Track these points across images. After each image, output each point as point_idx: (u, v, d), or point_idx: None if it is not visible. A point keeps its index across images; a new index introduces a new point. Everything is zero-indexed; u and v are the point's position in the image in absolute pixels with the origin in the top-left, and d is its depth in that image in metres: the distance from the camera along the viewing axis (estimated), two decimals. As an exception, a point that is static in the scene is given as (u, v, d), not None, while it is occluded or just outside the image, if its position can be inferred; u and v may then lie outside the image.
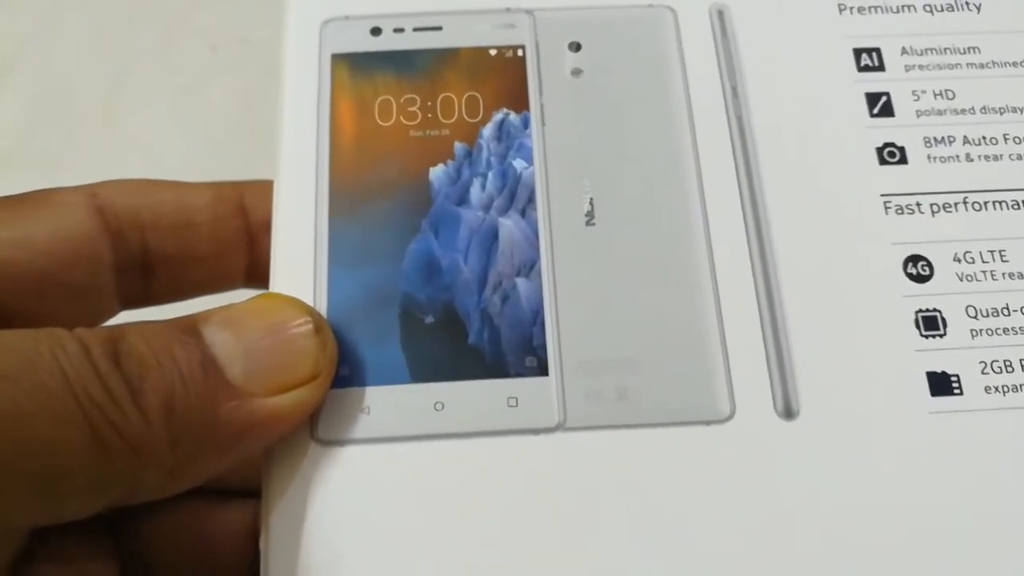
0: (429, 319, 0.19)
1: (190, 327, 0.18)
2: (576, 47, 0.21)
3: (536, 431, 0.18)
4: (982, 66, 0.22)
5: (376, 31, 0.21)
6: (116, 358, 0.17)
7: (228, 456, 0.18)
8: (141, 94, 0.42)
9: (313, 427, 0.18)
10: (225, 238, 0.23)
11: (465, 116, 0.21)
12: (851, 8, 0.22)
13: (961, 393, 0.19)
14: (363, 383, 0.19)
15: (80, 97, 0.42)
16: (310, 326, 0.18)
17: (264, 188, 0.21)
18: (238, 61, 0.42)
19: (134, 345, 0.17)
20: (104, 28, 0.43)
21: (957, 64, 0.22)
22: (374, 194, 0.20)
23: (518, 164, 0.20)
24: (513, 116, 0.21)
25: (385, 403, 0.19)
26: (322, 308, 0.19)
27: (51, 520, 0.17)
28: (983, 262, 0.20)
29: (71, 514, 0.17)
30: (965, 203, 0.20)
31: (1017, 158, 0.21)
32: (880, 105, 0.21)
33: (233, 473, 0.19)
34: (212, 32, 0.43)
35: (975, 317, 0.19)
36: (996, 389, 0.19)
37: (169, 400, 0.17)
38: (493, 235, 0.20)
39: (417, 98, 0.21)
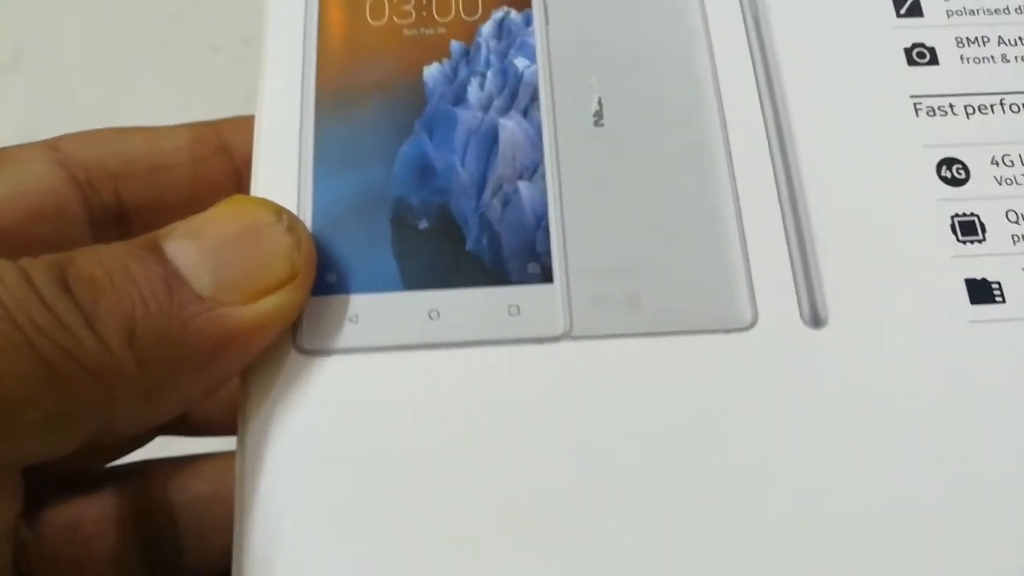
0: (423, 224, 0.18)
1: (149, 243, 0.16)
2: (581, -56, 0.20)
3: (540, 340, 0.17)
4: (1016, -35, 0.20)
5: (367, -72, 0.20)
6: (64, 283, 0.15)
7: (209, 374, 0.16)
8: (141, 94, 0.41)
9: (296, 336, 0.17)
10: (207, 179, 0.22)
11: (463, 14, 0.19)
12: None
13: (1003, 301, 0.17)
14: (351, 290, 0.17)
15: (80, 97, 0.41)
16: (282, 224, 0.17)
17: (246, 124, 0.20)
18: (238, 61, 0.42)
19: (83, 268, 0.16)
20: (104, 28, 0.43)
21: (989, -38, 0.20)
22: (364, 95, 0.19)
23: (520, 63, 0.19)
24: (515, 14, 0.19)
25: (375, 311, 0.17)
26: (307, 213, 0.18)
27: (15, 460, 0.16)
28: (1023, 165, 0.18)
29: (38, 453, 0.16)
30: (1002, 105, 0.19)
31: (1056, 59, 0.19)
32: (907, 5, 0.20)
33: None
34: (212, 32, 0.43)
35: (1016, 222, 0.18)
36: (1041, 297, 0.17)
37: (129, 321, 0.15)
38: (493, 136, 0.18)
39: (411, -4, 0.19)
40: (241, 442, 0.16)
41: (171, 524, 0.22)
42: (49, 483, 0.21)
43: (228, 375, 0.17)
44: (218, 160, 0.22)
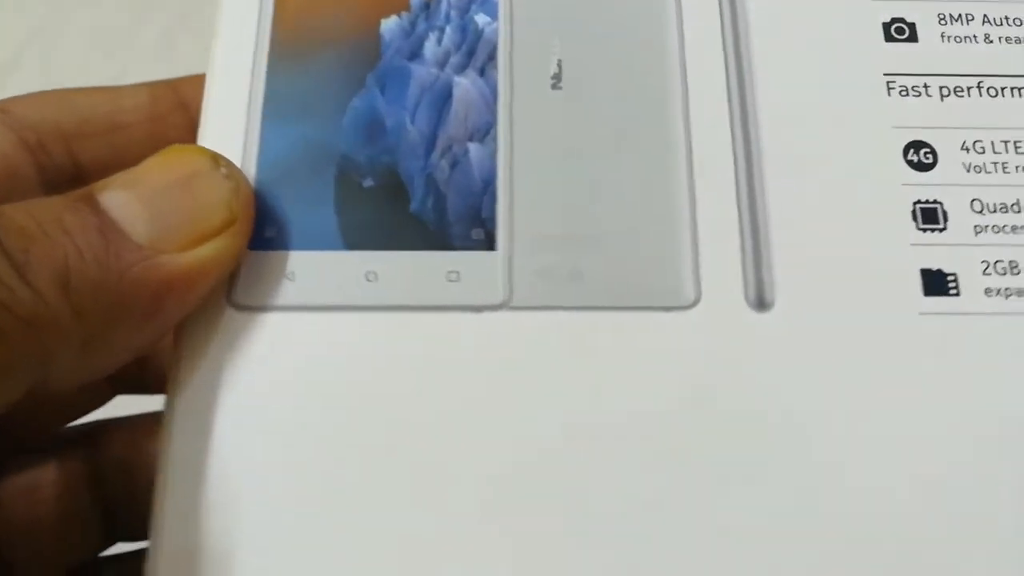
0: (368, 182, 0.17)
1: (84, 195, 0.16)
2: None
3: (478, 308, 0.16)
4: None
5: None
6: None
7: (149, 323, 0.16)
8: (141, 94, 0.41)
9: (231, 291, 0.17)
10: (166, 137, 0.22)
11: (425, -35, 0.19)
12: None
13: (958, 294, 0.17)
14: (289, 247, 0.17)
15: (80, 97, 0.41)
16: (219, 172, 0.16)
17: (203, 80, 0.20)
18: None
19: (12, 219, 0.15)
20: (104, 28, 0.42)
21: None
22: (319, 46, 0.18)
23: (480, 19, 0.18)
24: (478, -33, 0.19)
25: (311, 269, 0.17)
26: (251, 164, 0.17)
27: None
28: (994, 152, 0.18)
29: None
30: (979, 88, 0.18)
31: (1042, 42, 0.19)
32: (892, -23, 0.19)
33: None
34: (212, 32, 0.42)
35: (980, 212, 0.17)
36: (997, 292, 0.17)
37: (63, 271, 0.15)
38: (446, 94, 0.18)
39: (373, -56, 0.19)
40: (170, 395, 0.16)
41: (128, 484, 0.22)
42: (6, 447, 0.21)
43: (168, 324, 0.17)
44: (176, 117, 0.22)
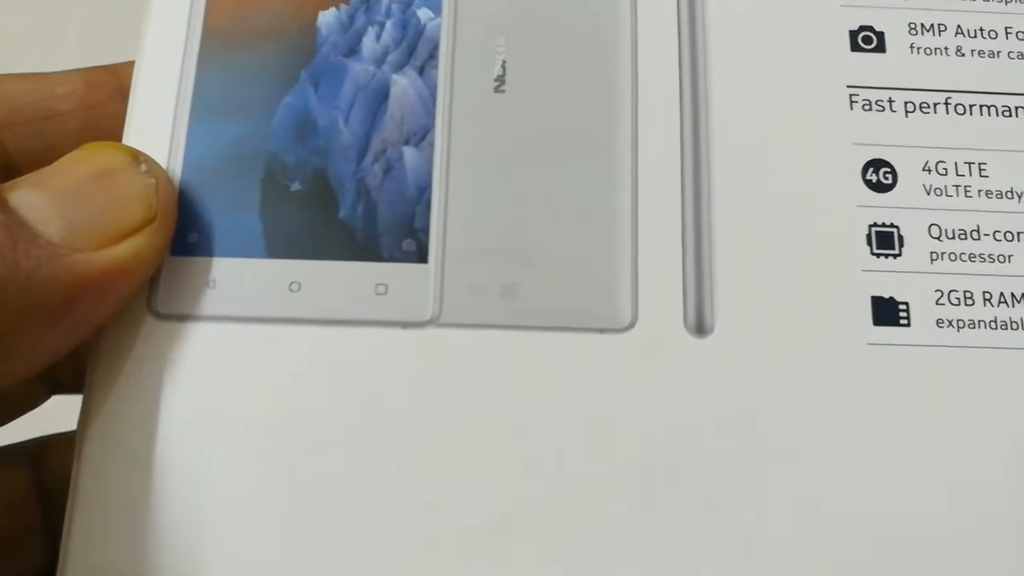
0: (296, 186, 0.16)
1: None
2: None
3: (405, 324, 0.16)
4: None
5: None
6: None
7: (63, 324, 0.16)
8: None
9: (151, 298, 0.16)
10: (102, 127, 0.20)
11: (368, -46, 0.18)
12: None
13: (908, 324, 0.16)
14: (212, 253, 0.16)
15: (80, 96, 0.40)
16: (138, 167, 0.16)
17: None
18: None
19: None
20: (104, 28, 0.41)
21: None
22: (252, 38, 0.17)
23: (423, 14, 0.17)
24: (424, -42, 0.18)
25: (233, 277, 0.16)
26: (177, 164, 0.16)
27: None
28: (957, 175, 0.17)
29: None
30: (947, 104, 0.17)
31: (1018, 56, 0.17)
32: (862, -19, 0.18)
33: None
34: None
35: (938, 238, 0.16)
36: (950, 323, 0.16)
37: None
38: (383, 94, 0.17)
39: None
40: (86, 403, 0.16)
41: None
42: None
43: (85, 326, 0.16)
44: (114, 106, 0.20)
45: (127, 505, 0.15)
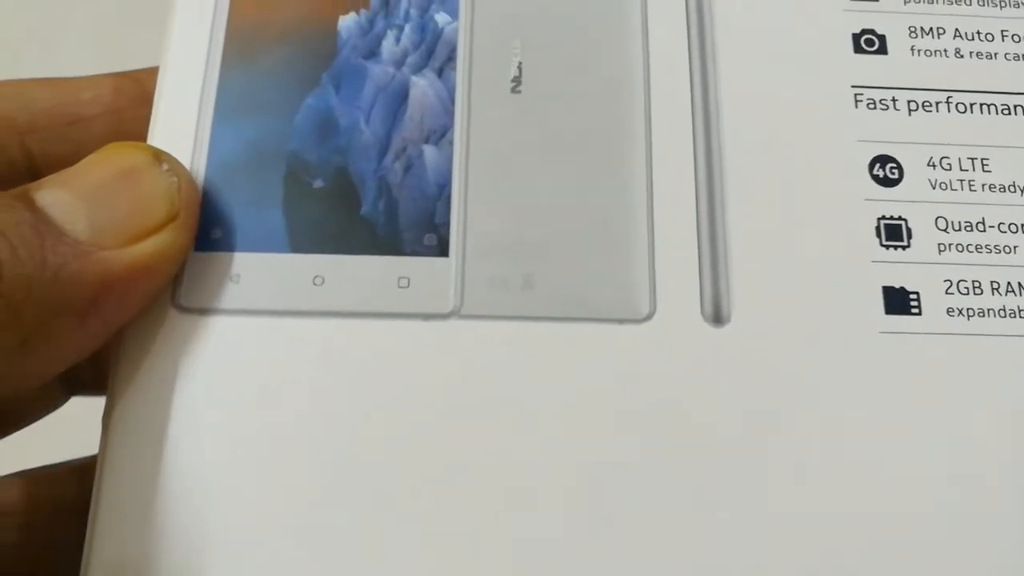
0: (318, 183, 0.17)
1: (19, 193, 0.16)
2: None
3: (427, 316, 0.16)
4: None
5: None
6: None
7: (90, 322, 0.16)
8: (141, 94, 0.41)
9: (175, 293, 0.16)
10: (128, 132, 0.21)
11: (386, -39, 0.18)
12: None
13: (920, 313, 0.16)
14: (235, 248, 0.16)
15: (80, 97, 0.41)
16: (160, 166, 0.16)
17: None
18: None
19: None
20: (104, 28, 0.42)
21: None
22: (275, 42, 0.18)
23: (440, 18, 0.18)
24: (440, -35, 0.18)
25: (257, 272, 0.16)
26: (201, 163, 0.17)
27: None
28: (961, 170, 0.17)
29: None
30: (948, 103, 0.18)
31: (1014, 58, 0.18)
32: (863, -13, 0.18)
33: None
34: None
35: (945, 230, 0.17)
36: (960, 312, 0.16)
37: None
38: (403, 95, 0.17)
39: (334, -61, 0.18)
40: (110, 398, 0.16)
41: None
42: None
43: (111, 324, 0.16)
44: (140, 111, 0.21)
45: (151, 499, 0.15)
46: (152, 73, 0.21)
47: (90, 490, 0.21)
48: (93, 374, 0.22)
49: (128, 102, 0.21)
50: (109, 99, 0.21)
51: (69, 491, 0.21)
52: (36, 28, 0.42)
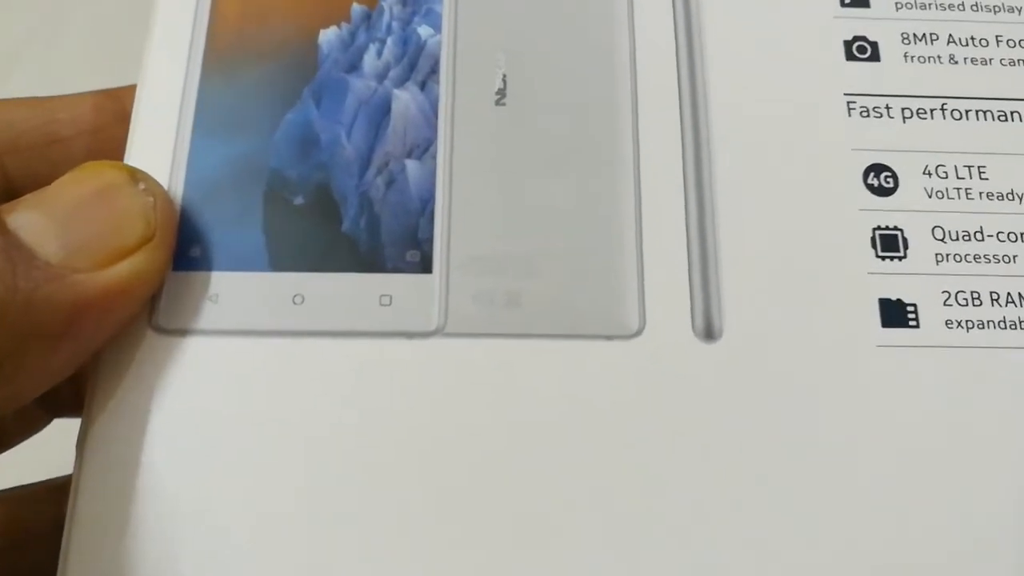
0: (299, 200, 0.16)
1: None
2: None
3: (410, 335, 0.16)
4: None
5: None
6: None
7: (65, 345, 0.15)
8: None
9: (152, 313, 0.16)
10: (108, 151, 0.21)
11: (368, -26, 0.18)
12: None
13: (917, 325, 0.16)
14: (214, 267, 0.16)
15: (80, 97, 0.41)
16: (136, 185, 0.15)
17: None
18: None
19: None
20: (104, 28, 0.42)
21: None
22: (255, 57, 0.17)
23: (423, 31, 0.17)
24: (423, -23, 0.18)
25: (236, 291, 0.16)
26: (179, 182, 0.16)
27: None
28: (957, 178, 0.17)
29: None
30: (943, 110, 0.17)
31: (1010, 64, 0.18)
32: (855, -6, 0.18)
33: None
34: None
35: (942, 240, 0.17)
36: (959, 324, 0.16)
37: None
38: (385, 108, 0.17)
39: (315, -48, 0.18)
40: (85, 420, 0.15)
41: None
42: None
43: (88, 346, 0.16)
44: (117, 129, 0.20)
45: (126, 523, 0.15)
46: (132, 90, 0.21)
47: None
48: (74, 395, 0.21)
49: (108, 121, 0.21)
50: (88, 118, 0.21)
51: (45, 512, 0.21)
52: (36, 28, 0.41)
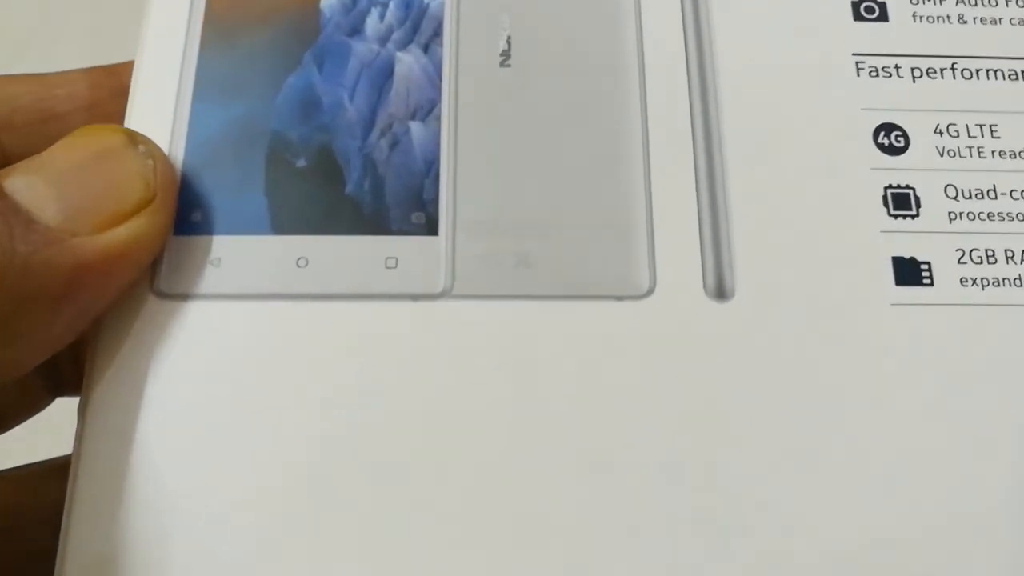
0: (301, 162, 0.16)
1: None
2: None
3: (416, 297, 0.15)
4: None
5: None
6: None
7: (65, 310, 0.15)
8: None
9: (154, 278, 0.15)
10: None
11: (369, -62, 0.18)
12: None
13: (932, 284, 0.16)
14: (215, 231, 0.16)
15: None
16: (135, 148, 0.15)
17: None
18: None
19: None
20: (104, 28, 0.42)
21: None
22: (256, 22, 0.17)
23: (426, -6, 0.17)
24: (425, -60, 0.18)
25: (238, 255, 0.15)
26: (179, 146, 0.16)
27: None
28: (969, 136, 0.17)
29: None
30: (953, 69, 0.17)
31: (1019, 23, 0.17)
32: (861, -45, 0.18)
33: None
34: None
35: (955, 198, 0.16)
36: (974, 281, 0.16)
37: None
38: (388, 71, 0.17)
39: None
40: (86, 387, 0.15)
41: None
42: None
43: (88, 311, 0.15)
44: (116, 105, 0.20)
45: (128, 485, 0.14)
46: (129, 66, 0.21)
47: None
48: (76, 371, 0.21)
49: (105, 96, 0.20)
50: (85, 94, 0.20)
51: (47, 493, 0.20)
52: (36, 28, 0.41)
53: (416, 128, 0.16)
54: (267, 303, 0.15)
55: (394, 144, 0.16)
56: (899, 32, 0.17)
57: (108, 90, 0.20)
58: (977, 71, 0.17)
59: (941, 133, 0.17)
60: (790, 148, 0.16)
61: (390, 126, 0.16)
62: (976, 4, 0.18)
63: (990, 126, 0.17)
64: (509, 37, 0.17)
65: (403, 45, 0.17)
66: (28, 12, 0.42)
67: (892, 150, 0.17)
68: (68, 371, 0.21)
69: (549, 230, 0.16)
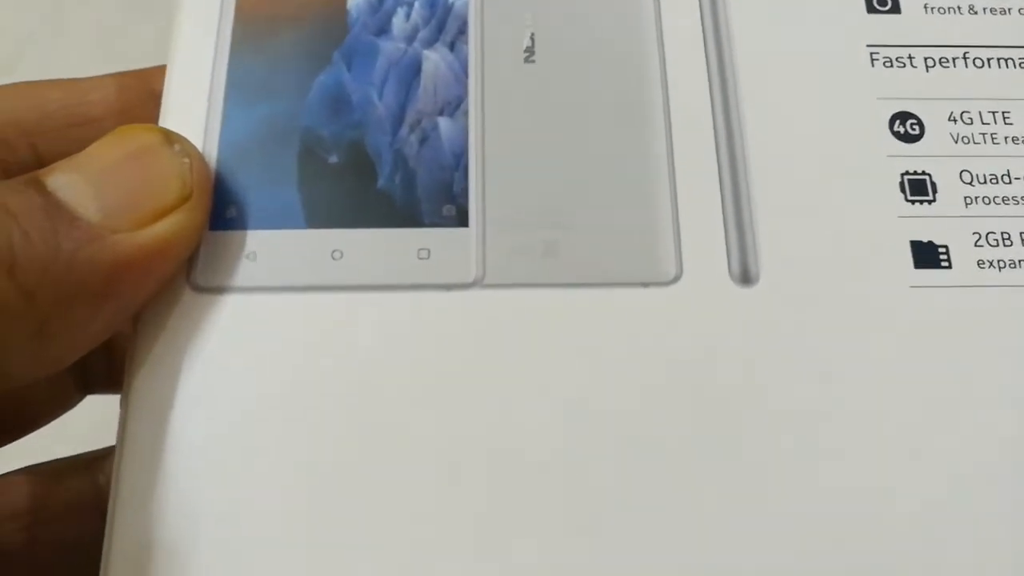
0: (333, 159, 0.16)
1: (30, 179, 0.15)
2: None
3: (449, 287, 0.16)
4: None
5: None
6: None
7: (106, 305, 0.15)
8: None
9: (190, 272, 0.16)
10: None
11: (393, -60, 0.18)
12: None
13: (950, 266, 0.16)
14: (250, 226, 0.16)
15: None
16: (171, 147, 0.16)
17: None
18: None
19: None
20: (104, 28, 0.42)
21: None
22: (284, 23, 0.17)
23: (450, -7, 0.18)
24: (448, -59, 0.18)
25: (274, 249, 0.16)
26: (213, 144, 0.17)
27: None
28: (982, 123, 0.17)
29: None
30: (965, 58, 0.18)
31: (1029, 13, 0.18)
32: (872, -51, 0.18)
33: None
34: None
35: (970, 183, 0.17)
36: (991, 264, 0.16)
37: (7, 253, 0.14)
38: (415, 69, 0.17)
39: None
40: (128, 380, 0.16)
41: None
42: None
43: (128, 307, 0.16)
44: (146, 109, 0.21)
45: (170, 476, 0.15)
46: (159, 72, 0.21)
47: (101, 485, 0.21)
48: (107, 369, 0.21)
49: (135, 100, 0.21)
50: (115, 98, 0.21)
51: (79, 488, 0.21)
52: (36, 28, 0.42)
53: (444, 123, 0.17)
54: (302, 295, 0.16)
55: (423, 139, 0.17)
56: (912, 23, 0.18)
57: (138, 94, 0.21)
58: (989, 60, 0.18)
59: (955, 120, 0.17)
60: (809, 137, 0.17)
61: (419, 122, 0.17)
62: (986, -5, 0.18)
63: (1003, 113, 0.17)
64: (533, 34, 0.17)
65: (429, 43, 0.17)
66: (28, 12, 0.42)
67: (908, 138, 0.17)
68: (99, 369, 0.21)
69: (576, 219, 0.16)
